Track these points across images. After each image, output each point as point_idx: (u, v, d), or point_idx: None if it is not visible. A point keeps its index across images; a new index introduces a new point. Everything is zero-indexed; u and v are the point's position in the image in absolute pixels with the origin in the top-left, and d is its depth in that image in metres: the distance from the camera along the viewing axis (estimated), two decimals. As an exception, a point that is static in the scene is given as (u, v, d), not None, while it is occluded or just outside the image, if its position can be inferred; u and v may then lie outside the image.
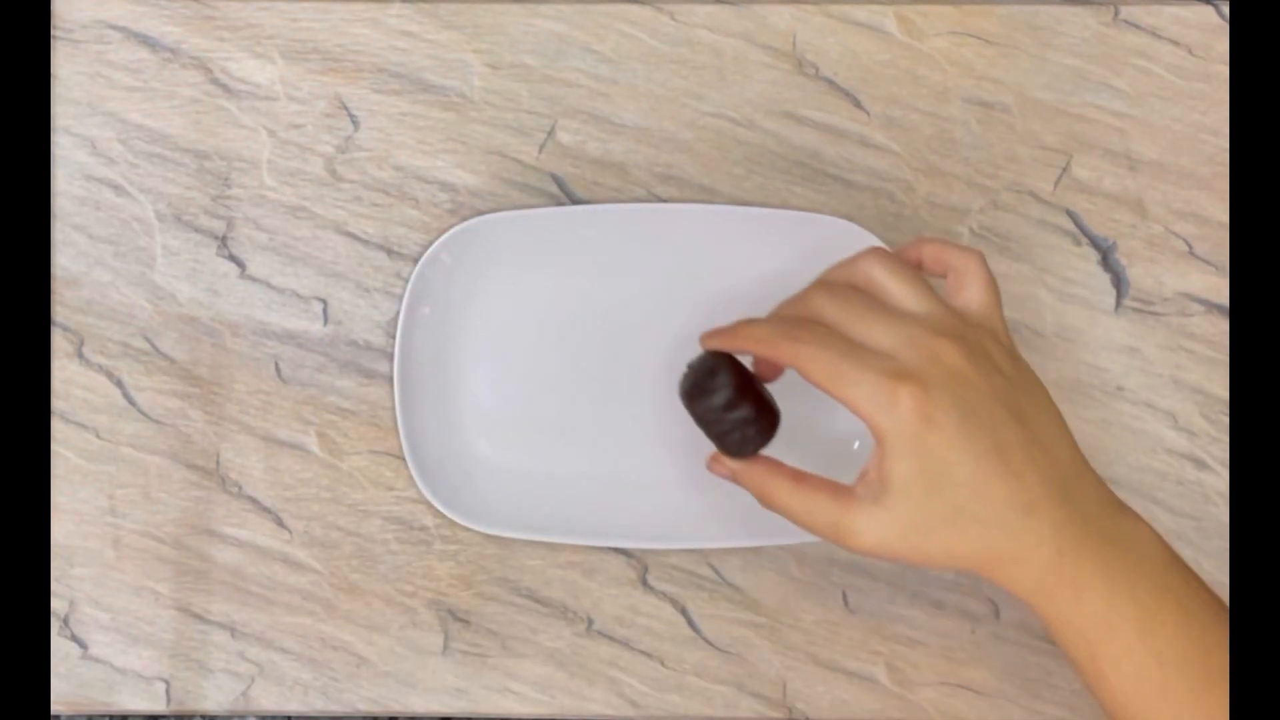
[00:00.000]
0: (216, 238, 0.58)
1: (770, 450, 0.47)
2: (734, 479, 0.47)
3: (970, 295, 0.45)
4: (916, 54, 0.58)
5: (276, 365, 0.58)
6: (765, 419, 0.46)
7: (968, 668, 0.58)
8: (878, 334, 0.42)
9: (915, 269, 0.45)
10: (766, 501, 0.45)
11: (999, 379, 0.42)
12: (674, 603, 0.58)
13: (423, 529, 0.58)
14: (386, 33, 0.58)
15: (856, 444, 0.57)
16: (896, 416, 0.40)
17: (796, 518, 0.44)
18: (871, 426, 0.41)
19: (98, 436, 0.58)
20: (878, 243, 0.56)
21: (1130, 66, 0.58)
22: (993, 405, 0.41)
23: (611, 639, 0.58)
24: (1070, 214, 0.58)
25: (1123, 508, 0.44)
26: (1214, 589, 0.45)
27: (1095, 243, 0.58)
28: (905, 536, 0.41)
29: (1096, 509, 0.43)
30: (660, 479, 0.58)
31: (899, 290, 0.43)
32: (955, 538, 0.41)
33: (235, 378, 0.58)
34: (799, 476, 0.45)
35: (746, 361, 0.49)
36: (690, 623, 0.58)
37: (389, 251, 0.58)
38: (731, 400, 0.45)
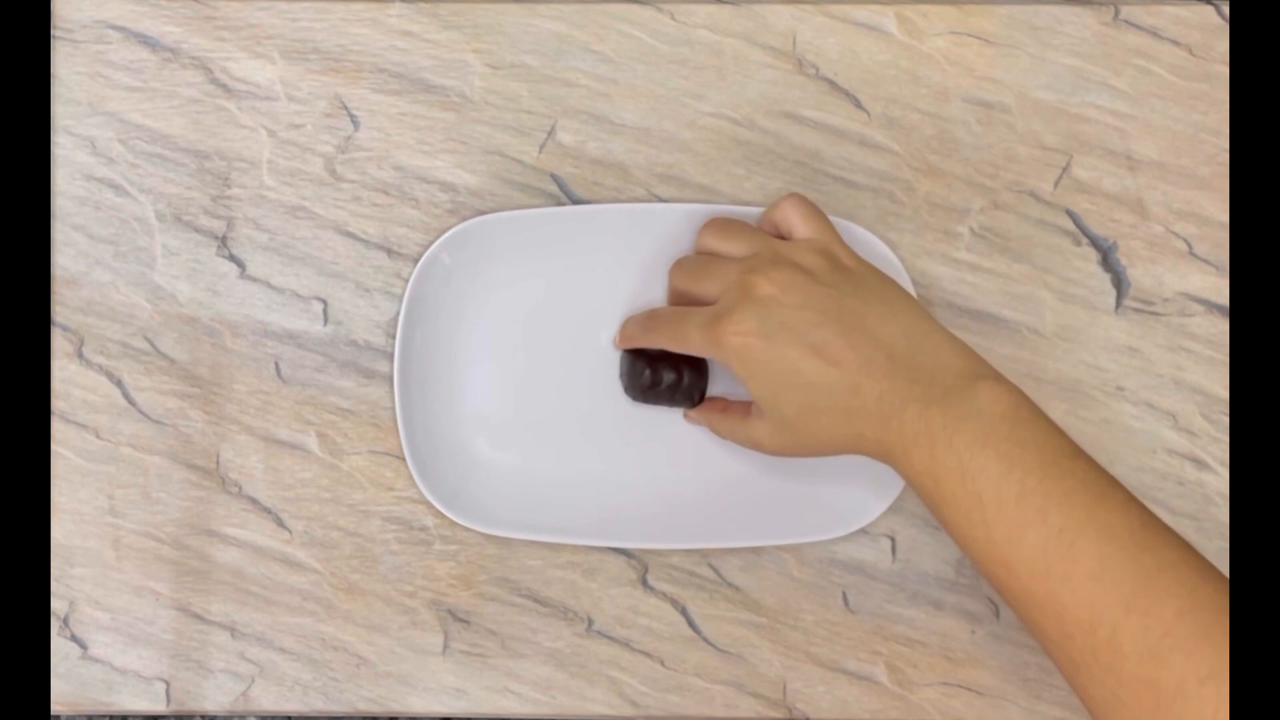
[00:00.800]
0: (216, 238, 0.58)
1: None
2: (697, 423, 0.57)
3: (795, 227, 0.51)
4: (917, 54, 0.58)
5: (276, 365, 0.58)
6: (690, 371, 0.56)
7: (968, 668, 0.58)
8: (708, 287, 0.51)
9: (742, 223, 0.53)
10: (712, 429, 0.56)
11: (817, 289, 0.48)
12: (674, 603, 0.58)
13: (423, 529, 0.58)
14: (386, 33, 0.58)
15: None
16: (725, 348, 0.48)
17: (730, 437, 0.54)
18: (722, 364, 0.50)
19: (98, 436, 0.58)
20: (878, 243, 0.56)
21: (1130, 66, 0.58)
22: (804, 313, 0.47)
23: (611, 639, 0.58)
24: (1070, 214, 0.58)
25: (981, 375, 0.46)
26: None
27: (1095, 243, 0.58)
28: (783, 438, 0.50)
29: (937, 375, 0.46)
30: (660, 479, 0.58)
31: (723, 245, 0.52)
32: (812, 429, 0.48)
33: (235, 378, 0.58)
34: (725, 406, 0.55)
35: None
36: (690, 623, 0.58)
37: (389, 251, 0.58)
38: (653, 376, 0.55)
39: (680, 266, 0.54)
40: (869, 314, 0.47)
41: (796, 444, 0.50)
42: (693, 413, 0.57)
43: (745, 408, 0.53)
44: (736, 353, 0.48)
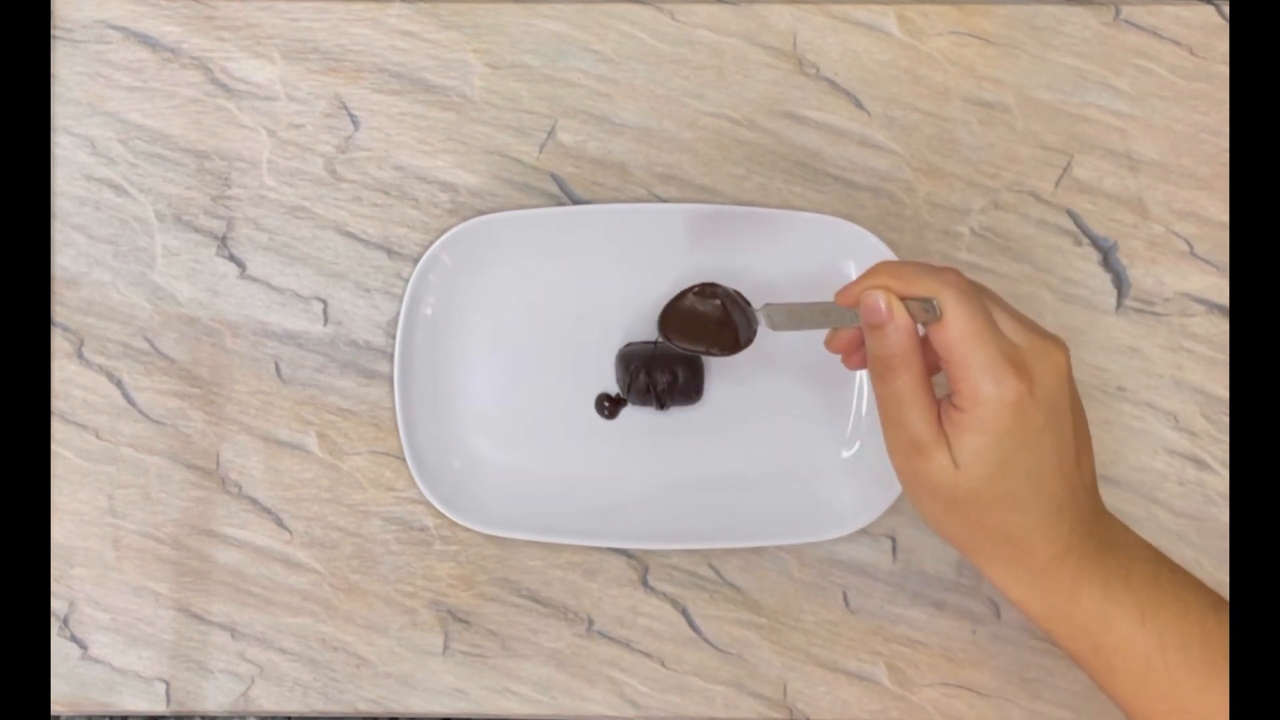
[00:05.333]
0: (216, 238, 0.58)
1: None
2: (863, 362, 0.49)
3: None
4: (917, 54, 0.58)
5: (276, 365, 0.58)
6: (685, 371, 0.56)
7: (968, 668, 0.58)
8: (1006, 325, 0.45)
9: None
10: (881, 396, 0.47)
11: (1072, 392, 0.46)
12: (674, 603, 0.58)
13: (423, 529, 0.58)
14: (386, 33, 0.58)
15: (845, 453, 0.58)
16: (996, 398, 0.43)
17: (891, 414, 0.46)
18: (969, 390, 0.44)
19: (98, 436, 0.58)
20: (879, 243, 0.56)
21: (1131, 66, 0.58)
22: (1064, 415, 0.45)
23: (612, 639, 0.58)
24: (1071, 214, 0.58)
25: (1110, 513, 0.48)
26: (1213, 587, 0.46)
27: (1096, 243, 0.58)
28: (957, 494, 0.45)
29: (1095, 515, 0.47)
30: (660, 479, 0.58)
31: (1012, 311, 0.47)
32: (992, 511, 0.45)
33: (235, 378, 0.58)
34: (926, 390, 0.46)
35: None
36: (690, 623, 0.58)
37: (389, 251, 0.58)
38: (649, 378, 0.55)
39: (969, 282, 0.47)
40: (1081, 438, 0.46)
41: (961, 509, 0.46)
42: (887, 350, 0.46)
43: (943, 411, 0.46)
44: (1001, 407, 0.43)
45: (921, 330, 0.45)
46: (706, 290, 0.50)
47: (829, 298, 0.47)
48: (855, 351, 0.51)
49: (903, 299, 0.45)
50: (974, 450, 0.44)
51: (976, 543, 0.46)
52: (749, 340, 0.50)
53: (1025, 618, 0.47)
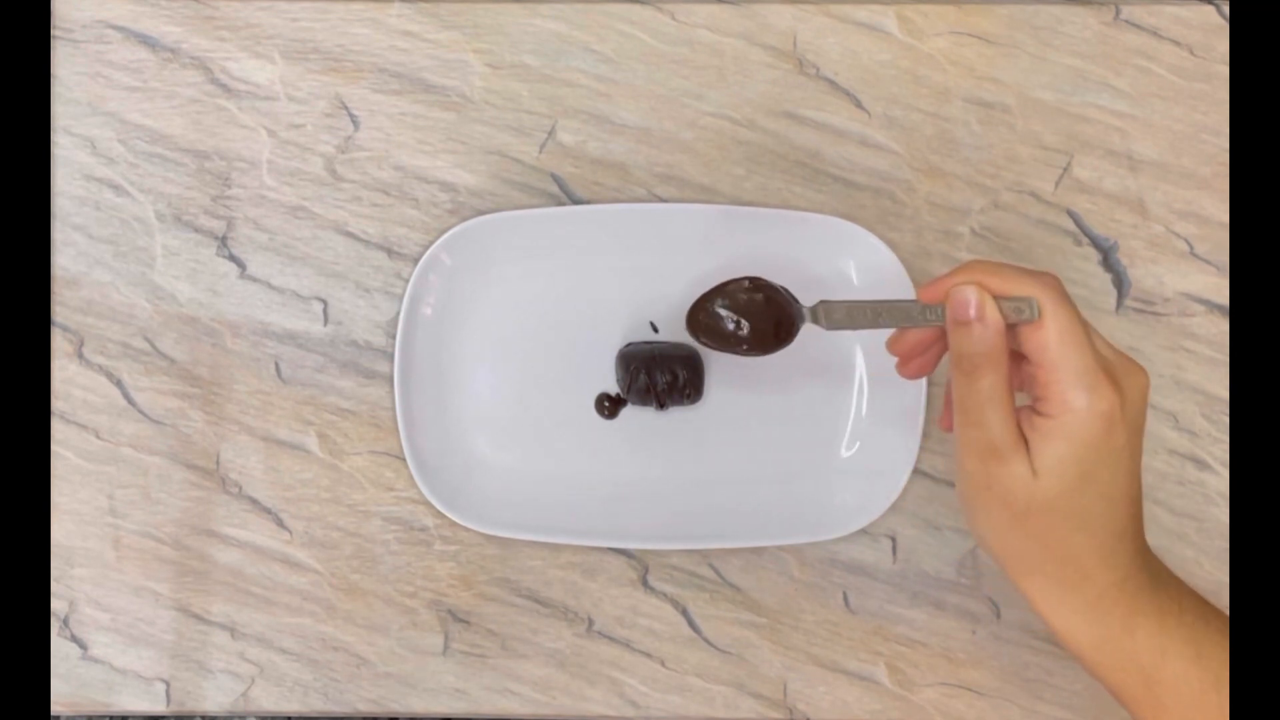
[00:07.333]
0: (216, 238, 0.58)
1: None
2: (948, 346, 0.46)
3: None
4: (917, 54, 0.58)
5: (276, 365, 0.58)
6: (685, 371, 0.55)
7: (968, 668, 0.58)
8: (1097, 341, 0.44)
9: None
10: (961, 394, 0.44)
11: (1144, 419, 0.45)
12: (674, 603, 0.58)
13: (423, 529, 0.58)
14: (386, 33, 0.58)
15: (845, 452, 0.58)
16: (1088, 407, 0.42)
17: (971, 414, 0.44)
18: (1060, 397, 0.42)
19: (98, 436, 0.58)
20: (879, 243, 0.56)
21: (1131, 66, 0.58)
22: (1141, 438, 0.44)
23: (612, 639, 0.58)
24: (1071, 214, 0.58)
25: (1150, 549, 0.47)
26: (1213, 587, 0.46)
27: (1096, 243, 0.58)
28: (1031, 504, 0.43)
29: (1144, 548, 0.46)
30: (661, 479, 0.58)
31: (1096, 331, 0.46)
32: (1062, 527, 0.43)
33: (235, 378, 0.58)
34: (1004, 388, 0.44)
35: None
36: (691, 623, 0.58)
37: (389, 251, 0.58)
38: (649, 378, 0.55)
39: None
40: (1137, 472, 0.46)
41: (1028, 520, 0.44)
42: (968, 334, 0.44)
43: (1023, 418, 0.44)
44: (1092, 418, 0.42)
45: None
46: (746, 283, 0.47)
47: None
48: (920, 355, 0.49)
49: (996, 298, 0.43)
50: (1056, 458, 0.42)
51: (1035, 562, 0.44)
52: (787, 340, 0.47)
53: (1069, 649, 0.45)
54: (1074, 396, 0.42)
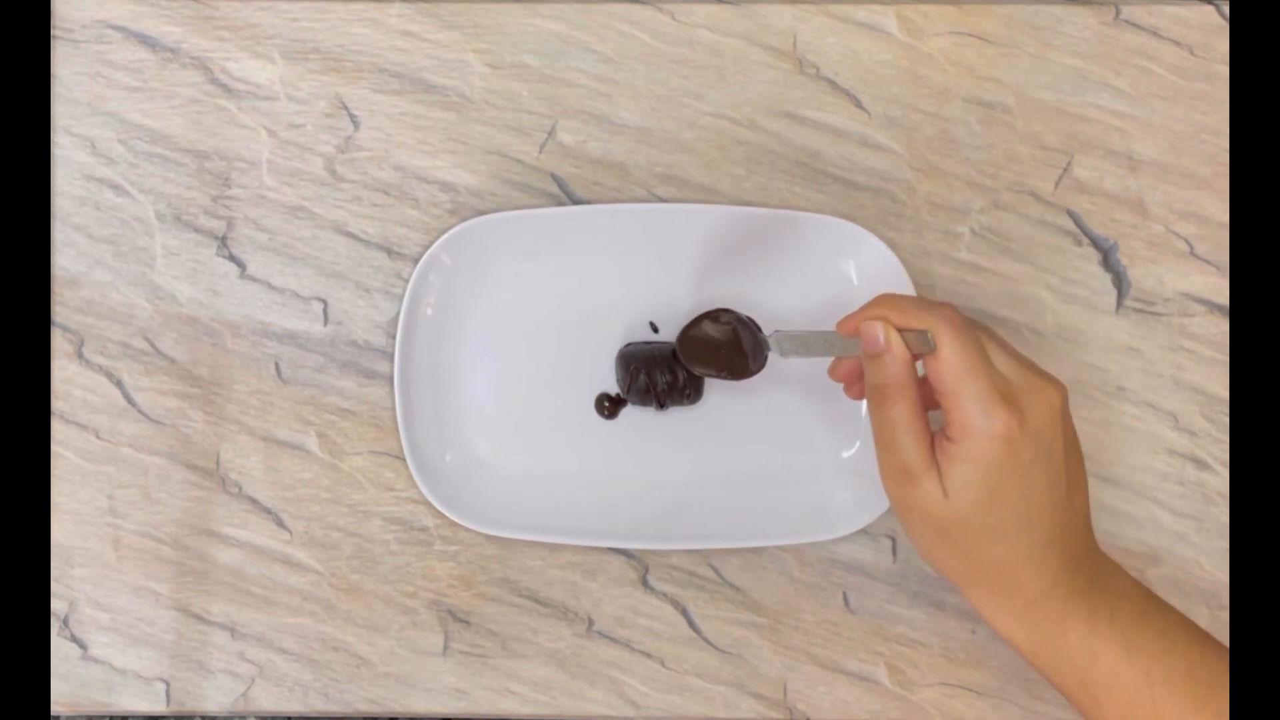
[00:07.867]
0: (216, 238, 0.58)
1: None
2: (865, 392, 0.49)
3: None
4: (917, 54, 0.58)
5: (276, 365, 0.58)
6: (684, 372, 0.55)
7: (968, 668, 0.58)
8: (1002, 363, 0.46)
9: None
10: (878, 425, 0.47)
11: (1067, 429, 0.47)
12: (674, 603, 0.58)
13: (423, 529, 0.58)
14: (386, 33, 0.58)
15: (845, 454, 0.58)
16: (986, 429, 0.44)
17: (885, 440, 0.47)
18: (960, 421, 0.45)
19: (98, 436, 0.58)
20: (879, 243, 0.56)
21: (1131, 66, 0.58)
22: (1056, 450, 0.46)
23: (612, 639, 0.58)
24: (1071, 214, 0.58)
25: (1102, 552, 0.49)
26: (1213, 587, 0.46)
27: (1096, 243, 0.58)
28: (946, 522, 0.46)
29: (1085, 552, 0.48)
30: (661, 479, 0.58)
31: (1011, 350, 0.48)
32: (980, 542, 0.46)
33: (235, 378, 0.58)
34: (920, 415, 0.47)
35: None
36: (690, 623, 0.58)
37: (389, 251, 0.58)
38: (649, 378, 0.55)
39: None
40: (1074, 475, 0.47)
41: (950, 539, 0.46)
42: (883, 381, 0.47)
43: (934, 440, 0.47)
44: (990, 440, 0.44)
45: (920, 370, 0.47)
46: (720, 316, 0.52)
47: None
48: (857, 381, 0.53)
49: (900, 330, 0.46)
50: (964, 479, 0.45)
51: (965, 573, 0.47)
52: (759, 366, 0.51)
53: (1013, 649, 0.48)
54: (972, 421, 0.44)
